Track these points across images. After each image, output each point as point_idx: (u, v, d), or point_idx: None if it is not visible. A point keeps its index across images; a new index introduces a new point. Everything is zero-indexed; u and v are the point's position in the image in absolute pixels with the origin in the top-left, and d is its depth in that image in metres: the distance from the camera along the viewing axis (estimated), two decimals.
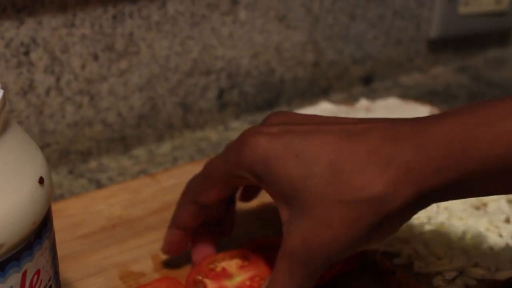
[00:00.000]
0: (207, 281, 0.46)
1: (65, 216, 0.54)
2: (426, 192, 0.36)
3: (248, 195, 0.51)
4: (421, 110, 0.66)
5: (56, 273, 0.37)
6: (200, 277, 0.46)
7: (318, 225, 0.37)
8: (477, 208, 0.52)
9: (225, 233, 0.50)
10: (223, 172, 0.43)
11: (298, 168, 0.38)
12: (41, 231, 0.34)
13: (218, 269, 0.47)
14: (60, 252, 0.39)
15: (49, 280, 0.36)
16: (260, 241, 0.49)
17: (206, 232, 0.48)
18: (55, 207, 0.54)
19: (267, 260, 0.47)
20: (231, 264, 0.47)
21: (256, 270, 0.46)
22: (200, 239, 0.48)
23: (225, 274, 0.46)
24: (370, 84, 0.84)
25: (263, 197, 0.57)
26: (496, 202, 0.52)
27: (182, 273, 0.49)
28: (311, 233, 0.38)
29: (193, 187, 0.46)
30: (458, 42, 0.89)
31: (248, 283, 0.45)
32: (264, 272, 0.46)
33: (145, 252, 0.51)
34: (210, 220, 0.48)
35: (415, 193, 0.36)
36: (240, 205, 0.56)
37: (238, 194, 0.50)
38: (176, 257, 0.50)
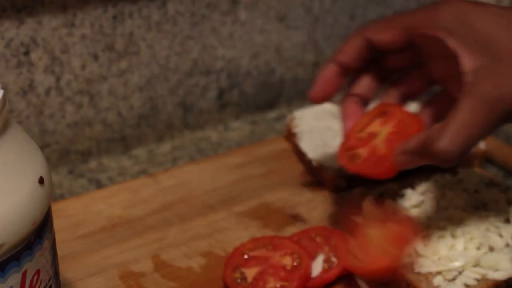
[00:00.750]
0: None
1: (65, 216, 0.54)
2: None
3: (409, 95, 0.50)
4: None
5: (56, 273, 0.37)
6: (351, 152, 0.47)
7: None
8: (477, 208, 0.52)
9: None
10: (412, 19, 0.44)
11: (499, 24, 0.40)
12: (41, 231, 0.34)
13: (365, 135, 0.48)
14: (60, 252, 0.39)
15: (49, 280, 0.36)
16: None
17: (356, 106, 0.49)
18: (55, 207, 0.54)
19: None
20: (375, 125, 0.48)
21: (396, 117, 0.47)
22: (351, 110, 0.48)
23: (372, 136, 0.47)
24: None
25: (263, 197, 0.57)
26: (496, 202, 0.52)
27: (183, 273, 0.49)
28: (506, 77, 0.39)
29: (370, 25, 0.46)
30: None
31: (392, 130, 0.47)
32: (404, 117, 0.47)
33: (145, 252, 0.51)
34: (359, 93, 0.48)
35: None
36: (240, 206, 0.56)
37: None
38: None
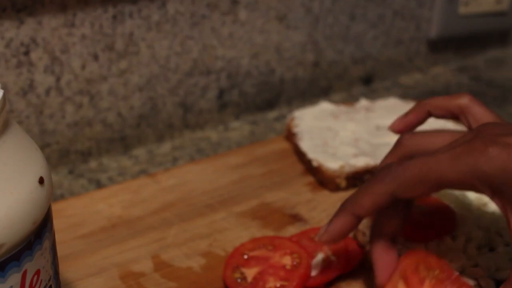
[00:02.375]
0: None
1: (65, 216, 0.54)
2: None
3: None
4: None
5: (56, 273, 0.37)
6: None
7: None
8: (477, 208, 0.52)
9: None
10: (444, 177, 0.39)
11: None
12: (41, 231, 0.34)
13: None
14: (60, 252, 0.39)
15: (49, 280, 0.36)
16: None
17: (386, 244, 0.45)
18: (55, 207, 0.54)
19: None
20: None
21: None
22: (382, 251, 0.45)
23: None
24: (370, 84, 0.84)
25: (263, 197, 0.57)
26: None
27: (183, 273, 0.49)
28: None
29: (398, 178, 0.41)
30: (458, 42, 0.89)
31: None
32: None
33: (145, 252, 0.51)
34: (389, 232, 0.45)
35: None
36: (240, 206, 0.56)
37: None
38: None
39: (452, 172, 0.39)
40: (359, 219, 0.43)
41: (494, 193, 0.38)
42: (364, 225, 0.51)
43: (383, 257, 0.44)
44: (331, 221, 0.44)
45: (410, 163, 0.40)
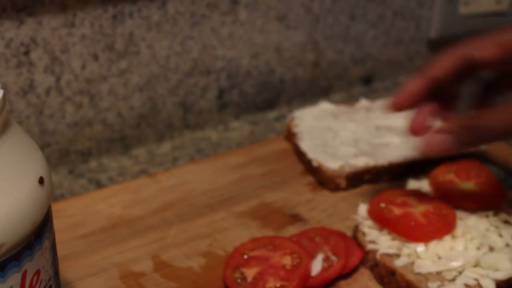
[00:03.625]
0: (393, 208, 0.49)
1: (65, 216, 0.54)
2: None
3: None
4: None
5: (56, 273, 0.37)
6: (384, 205, 0.49)
7: None
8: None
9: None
10: (509, 37, 0.42)
11: None
12: (41, 231, 0.34)
13: (398, 200, 0.50)
14: (60, 252, 0.39)
15: (49, 280, 0.36)
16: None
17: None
18: (55, 207, 0.54)
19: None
20: (409, 199, 0.50)
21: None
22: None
23: (407, 204, 0.49)
24: (370, 84, 0.84)
25: (263, 197, 0.57)
26: None
27: (183, 273, 0.49)
28: None
29: (469, 43, 0.44)
30: (458, 42, 0.89)
31: (432, 210, 0.49)
32: (440, 206, 0.49)
33: (145, 252, 0.51)
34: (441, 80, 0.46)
35: None
36: (240, 206, 0.56)
37: None
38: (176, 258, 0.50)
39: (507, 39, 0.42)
40: (434, 81, 0.44)
41: None
42: (364, 225, 0.51)
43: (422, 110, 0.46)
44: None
45: (478, 36, 0.44)
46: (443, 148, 0.42)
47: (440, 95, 0.48)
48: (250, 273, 0.47)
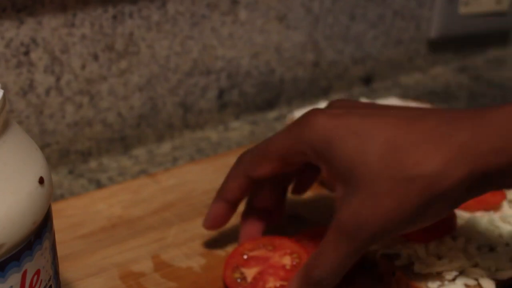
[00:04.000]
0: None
1: (65, 216, 0.54)
2: (480, 174, 0.36)
3: (301, 187, 0.52)
4: None
5: (56, 273, 0.37)
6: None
7: (369, 200, 0.38)
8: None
9: (274, 220, 0.51)
10: (282, 148, 0.44)
11: (356, 145, 0.39)
12: (41, 231, 0.34)
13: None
14: (60, 252, 0.39)
15: (49, 280, 0.36)
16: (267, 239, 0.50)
17: (255, 216, 0.50)
18: (55, 207, 0.54)
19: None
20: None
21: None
22: (249, 221, 0.50)
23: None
24: (370, 84, 0.84)
25: None
26: None
27: (183, 273, 0.49)
28: (361, 207, 0.39)
29: (246, 160, 0.47)
30: (458, 42, 0.89)
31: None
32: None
33: (145, 252, 0.51)
34: (261, 206, 0.50)
35: (469, 173, 0.36)
36: (240, 205, 0.56)
37: (290, 188, 0.52)
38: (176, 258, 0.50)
39: (286, 142, 0.43)
40: (229, 203, 0.48)
41: (318, 158, 0.42)
42: None
43: (248, 226, 0.50)
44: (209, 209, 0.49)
45: (254, 147, 0.46)
46: None
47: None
48: (250, 273, 0.47)
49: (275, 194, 0.50)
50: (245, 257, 0.48)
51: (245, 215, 0.50)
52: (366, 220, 0.38)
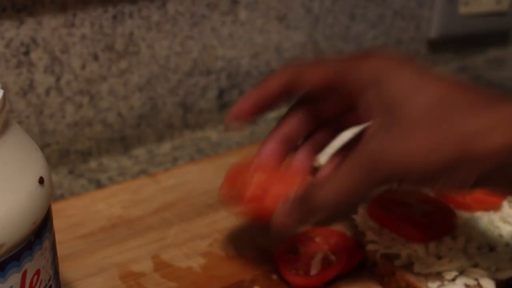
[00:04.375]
0: (393, 208, 0.49)
1: (65, 216, 0.54)
2: None
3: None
4: None
5: (56, 273, 0.37)
6: (383, 205, 0.49)
7: (403, 138, 0.38)
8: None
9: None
10: (338, 63, 0.43)
11: (407, 88, 0.39)
12: (41, 231, 0.34)
13: (398, 200, 0.50)
14: (60, 252, 0.39)
15: (49, 280, 0.36)
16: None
17: (284, 139, 0.48)
18: (55, 207, 0.54)
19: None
20: (409, 199, 0.50)
21: (433, 203, 0.50)
22: (274, 138, 0.48)
23: (407, 204, 0.49)
24: None
25: None
26: None
27: (183, 273, 0.49)
28: (391, 139, 0.38)
29: (300, 63, 0.46)
30: (458, 42, 0.89)
31: (431, 210, 0.49)
32: (440, 206, 0.50)
33: (145, 252, 0.51)
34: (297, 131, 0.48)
35: (505, 145, 0.36)
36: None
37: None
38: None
39: (342, 63, 0.43)
40: (264, 97, 0.47)
41: (363, 90, 0.41)
42: (364, 225, 0.51)
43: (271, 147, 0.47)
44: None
45: (308, 60, 0.46)
46: (286, 223, 0.42)
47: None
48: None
49: (305, 127, 0.47)
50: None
51: (274, 132, 0.48)
52: (392, 157, 0.38)
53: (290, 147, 0.47)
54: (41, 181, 0.34)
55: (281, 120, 0.48)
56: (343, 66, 0.43)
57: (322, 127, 0.48)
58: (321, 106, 0.46)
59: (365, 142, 0.40)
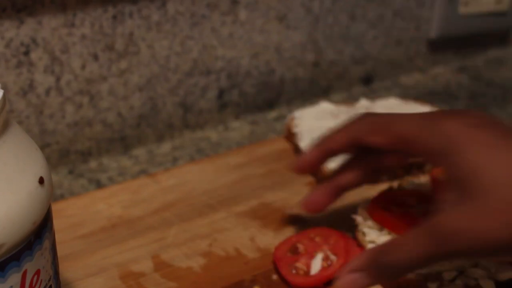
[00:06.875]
0: (393, 208, 0.49)
1: (65, 216, 0.54)
2: None
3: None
4: (421, 110, 0.66)
5: (56, 273, 0.37)
6: (384, 205, 0.49)
7: (480, 212, 0.37)
8: None
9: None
10: (406, 131, 0.42)
11: (485, 158, 0.38)
12: (41, 231, 0.34)
13: (398, 200, 0.50)
14: (60, 252, 0.39)
15: (49, 280, 0.36)
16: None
17: (329, 188, 0.49)
18: (55, 207, 0.54)
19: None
20: (409, 199, 0.50)
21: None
22: (321, 188, 0.49)
23: (407, 204, 0.49)
24: (370, 84, 0.84)
25: (263, 197, 0.57)
26: None
27: (183, 273, 0.49)
28: (468, 215, 0.37)
29: (365, 123, 0.45)
30: (458, 42, 0.89)
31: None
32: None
33: (145, 252, 0.51)
34: (347, 187, 0.49)
35: None
36: (240, 206, 0.56)
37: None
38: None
39: (410, 129, 0.42)
40: (326, 152, 0.47)
41: (435, 161, 0.41)
42: (364, 225, 0.51)
43: (320, 191, 0.49)
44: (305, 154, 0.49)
45: (376, 115, 0.45)
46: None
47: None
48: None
49: (363, 174, 0.48)
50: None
51: (321, 183, 0.49)
52: (468, 229, 0.37)
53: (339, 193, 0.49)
54: (41, 181, 0.34)
55: (339, 171, 0.49)
56: (410, 132, 0.42)
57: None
58: (382, 158, 0.47)
59: (440, 214, 0.39)
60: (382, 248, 0.41)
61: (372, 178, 0.50)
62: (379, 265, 0.41)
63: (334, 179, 0.49)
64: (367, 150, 0.47)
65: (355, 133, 0.45)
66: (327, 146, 0.47)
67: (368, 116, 0.46)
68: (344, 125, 0.47)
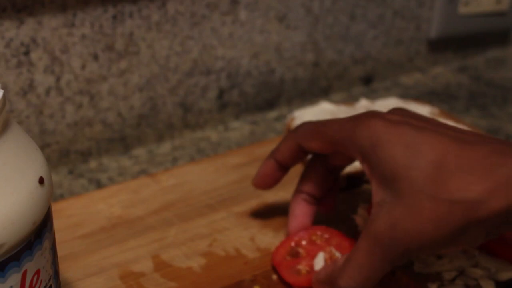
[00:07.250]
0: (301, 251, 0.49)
1: (65, 216, 0.54)
2: None
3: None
4: (421, 110, 0.66)
5: (56, 273, 0.37)
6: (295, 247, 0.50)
7: (408, 215, 0.39)
8: None
9: (325, 208, 0.52)
10: (333, 134, 0.45)
11: (404, 157, 0.40)
12: (41, 231, 0.34)
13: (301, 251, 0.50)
14: (60, 252, 0.39)
15: (49, 280, 0.36)
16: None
17: (304, 204, 0.51)
18: (55, 207, 0.54)
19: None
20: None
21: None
22: (298, 209, 0.51)
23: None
24: (370, 84, 0.84)
25: (263, 197, 0.57)
26: None
27: (183, 273, 0.49)
28: (400, 220, 0.39)
29: (301, 131, 0.48)
30: (458, 42, 0.89)
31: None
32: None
33: (145, 252, 0.51)
34: (309, 192, 0.50)
35: (507, 206, 0.36)
36: (240, 206, 0.56)
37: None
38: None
39: (339, 132, 0.44)
40: (279, 163, 0.50)
41: (363, 159, 0.43)
42: (365, 226, 0.51)
43: (297, 209, 0.50)
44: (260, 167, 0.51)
45: (314, 122, 0.48)
46: None
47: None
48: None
49: (325, 182, 0.50)
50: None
51: (294, 203, 0.51)
52: (403, 234, 0.39)
53: (313, 201, 0.51)
54: (41, 181, 0.34)
55: (302, 178, 0.51)
56: (338, 136, 0.45)
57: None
58: (332, 160, 0.49)
59: (371, 221, 0.41)
60: (333, 273, 0.43)
61: (333, 179, 0.52)
62: None
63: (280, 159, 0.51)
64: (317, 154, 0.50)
65: (297, 140, 0.48)
66: (276, 157, 0.50)
67: (305, 124, 0.49)
68: (287, 135, 0.49)
